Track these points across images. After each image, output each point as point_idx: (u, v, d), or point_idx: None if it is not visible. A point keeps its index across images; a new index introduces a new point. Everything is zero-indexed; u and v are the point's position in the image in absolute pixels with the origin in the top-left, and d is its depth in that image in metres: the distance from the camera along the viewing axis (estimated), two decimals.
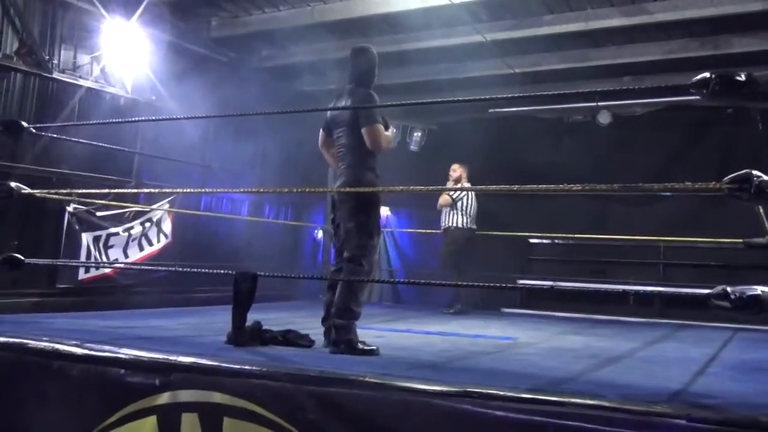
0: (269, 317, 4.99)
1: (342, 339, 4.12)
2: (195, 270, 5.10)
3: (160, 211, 7.48)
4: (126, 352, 3.43)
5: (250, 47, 8.54)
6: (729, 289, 2.75)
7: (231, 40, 8.16)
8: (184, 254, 7.57)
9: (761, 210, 5.99)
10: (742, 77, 2.85)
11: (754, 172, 2.92)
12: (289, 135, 9.12)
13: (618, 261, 9.00)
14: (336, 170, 4.73)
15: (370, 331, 5.58)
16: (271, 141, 9.16)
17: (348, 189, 4.36)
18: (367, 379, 2.95)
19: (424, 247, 10.40)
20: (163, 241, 7.54)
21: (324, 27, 7.67)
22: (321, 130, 4.74)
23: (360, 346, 4.11)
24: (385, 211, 10.71)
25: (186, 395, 3.14)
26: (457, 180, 8.10)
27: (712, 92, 2.89)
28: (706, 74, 2.92)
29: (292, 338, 4.25)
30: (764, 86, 2.87)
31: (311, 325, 5.47)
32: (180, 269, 5.87)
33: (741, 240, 6.59)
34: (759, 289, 2.69)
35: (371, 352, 4.08)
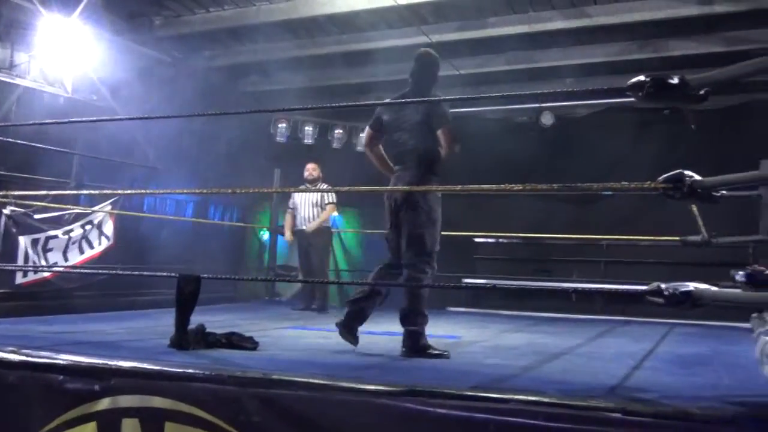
0: (214, 320, 4.94)
1: (417, 345, 4.21)
2: (137, 273, 5.03)
3: (102, 213, 7.33)
4: (65, 358, 3.35)
5: (194, 47, 8.44)
6: (663, 285, 2.83)
7: (175, 39, 8.05)
8: (126, 257, 7.43)
9: (695, 208, 6.18)
10: (675, 80, 2.94)
11: (686, 172, 3.02)
12: (235, 135, 9.03)
13: (561, 259, 9.16)
14: (382, 170, 4.73)
15: (317, 332, 5.58)
16: (217, 141, 9.06)
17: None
18: (311, 380, 2.94)
19: (371, 247, 10.41)
20: (105, 243, 7.39)
21: (269, 27, 7.63)
22: (369, 129, 4.68)
23: (432, 351, 4.20)
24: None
25: (126, 400, 3.09)
26: (317, 179, 7.91)
27: (646, 95, 2.97)
28: (641, 77, 3.00)
29: (235, 341, 4.22)
30: (696, 89, 2.96)
31: (256, 327, 5.46)
32: (122, 272, 5.77)
33: (678, 237, 6.78)
34: (692, 286, 2.78)
35: (441, 356, 4.16)
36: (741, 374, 3.71)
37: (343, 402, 2.83)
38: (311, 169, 7.90)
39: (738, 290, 2.89)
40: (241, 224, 9.82)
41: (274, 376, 3.01)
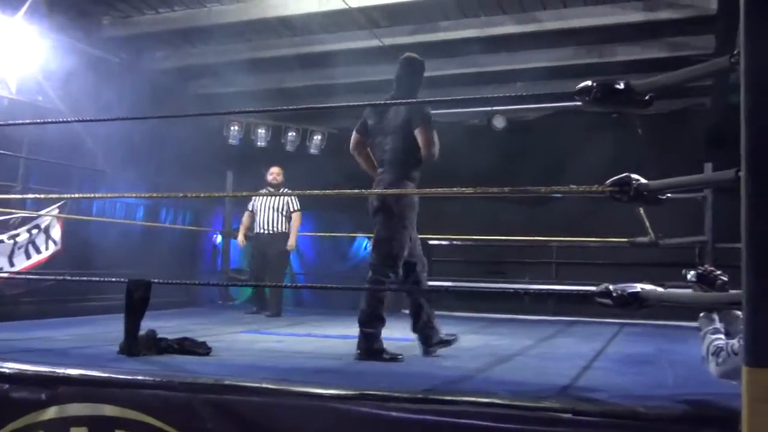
0: (165, 325, 4.87)
1: (371, 348, 4.20)
2: (86, 279, 4.93)
3: (49, 216, 7.16)
4: (10, 366, 3.27)
5: (143, 48, 8.30)
6: (611, 287, 2.88)
7: (124, 40, 7.90)
8: (75, 261, 7.27)
9: (642, 211, 6.32)
10: (621, 85, 3.00)
11: (633, 175, 3.09)
12: (187, 138, 8.90)
13: (514, 261, 9.27)
14: (369, 172, 4.74)
15: (270, 336, 5.55)
16: (168, 144, 8.93)
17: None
18: (264, 385, 2.93)
19: (325, 250, 10.40)
20: (53, 248, 7.22)
21: (220, 29, 7.56)
22: (355, 132, 4.70)
23: (386, 355, 4.21)
24: None
25: (75, 409, 3.03)
26: (281, 184, 7.85)
27: (594, 99, 3.03)
28: (588, 82, 3.06)
29: (188, 346, 4.16)
30: (642, 94, 3.03)
31: (209, 332, 5.40)
32: (70, 278, 5.64)
33: (626, 239, 6.93)
34: (639, 287, 2.84)
35: (395, 359, 4.19)
36: (687, 373, 3.81)
37: (296, 407, 2.83)
38: (276, 174, 7.83)
39: (683, 291, 2.96)
40: (194, 228, 9.70)
41: (227, 382, 3.00)
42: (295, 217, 7.79)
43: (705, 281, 2.94)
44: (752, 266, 1.86)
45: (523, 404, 2.61)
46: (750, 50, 1.93)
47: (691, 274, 3.00)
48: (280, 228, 7.74)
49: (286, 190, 7.85)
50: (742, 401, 1.87)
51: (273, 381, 3.00)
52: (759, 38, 1.92)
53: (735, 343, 2.64)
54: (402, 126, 4.42)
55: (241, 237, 7.99)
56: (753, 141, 1.89)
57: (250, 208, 7.99)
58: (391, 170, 4.47)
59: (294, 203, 7.78)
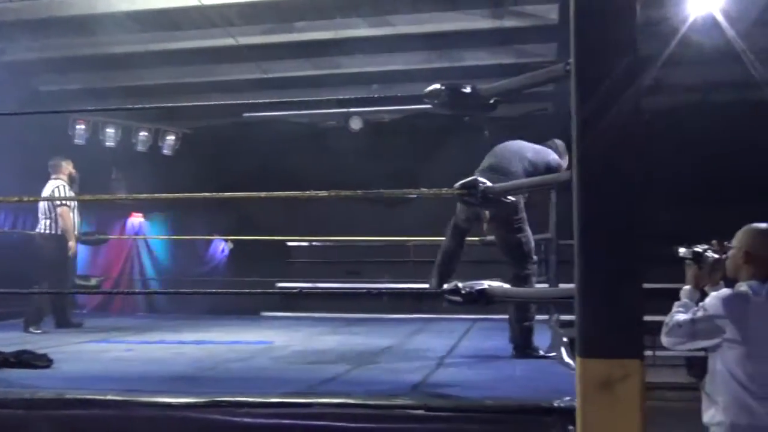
0: (3, 337, 4.55)
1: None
2: None
3: None
4: None
5: None
6: (460, 284, 2.98)
7: None
8: None
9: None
10: (468, 89, 3.11)
11: (480, 178, 3.22)
12: (28, 138, 8.34)
13: (373, 260, 9.37)
14: None
15: (119, 345, 5.32)
16: (6, 144, 8.33)
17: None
18: (108, 397, 2.79)
19: (179, 254, 10.10)
20: None
21: (63, 22, 7.15)
22: None
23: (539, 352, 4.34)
24: (138, 218, 10.24)
25: None
26: (72, 178, 6.96)
27: (442, 102, 3.12)
28: (437, 85, 3.15)
29: (27, 359, 3.90)
30: (487, 98, 3.15)
31: (51, 342, 5.10)
32: None
33: (478, 238, 7.17)
34: (486, 284, 2.95)
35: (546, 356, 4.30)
36: (534, 365, 4.00)
37: (144, 418, 2.73)
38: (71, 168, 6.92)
39: (523, 288, 3.10)
40: (34, 233, 9.09)
41: (68, 396, 2.84)
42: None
43: (699, 259, 2.88)
44: (582, 261, 1.97)
45: (376, 403, 2.65)
46: (578, 59, 2.05)
47: (683, 251, 2.92)
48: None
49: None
50: (576, 390, 1.98)
51: (119, 392, 2.86)
52: (585, 48, 2.04)
53: (682, 317, 2.74)
54: None
55: (73, 242, 6.83)
56: (580, 144, 2.01)
57: (70, 205, 6.89)
58: None
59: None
